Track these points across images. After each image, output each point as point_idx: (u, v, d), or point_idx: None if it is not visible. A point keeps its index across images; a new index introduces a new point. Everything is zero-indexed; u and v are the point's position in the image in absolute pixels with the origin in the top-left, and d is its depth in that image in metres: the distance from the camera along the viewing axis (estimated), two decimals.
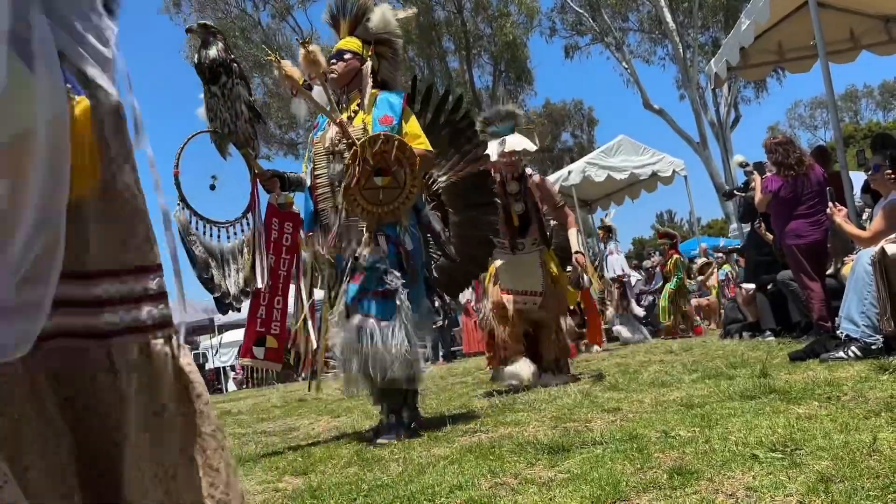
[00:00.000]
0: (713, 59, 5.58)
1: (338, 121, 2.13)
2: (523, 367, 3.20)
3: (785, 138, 3.96)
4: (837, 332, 2.92)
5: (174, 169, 2.23)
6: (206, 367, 12.46)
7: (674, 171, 7.79)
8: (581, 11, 13.37)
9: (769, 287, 4.51)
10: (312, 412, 3.86)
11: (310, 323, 2.50)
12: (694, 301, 7.28)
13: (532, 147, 3.48)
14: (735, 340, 4.96)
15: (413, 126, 2.24)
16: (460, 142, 2.70)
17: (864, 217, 4.01)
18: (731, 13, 11.53)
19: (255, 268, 2.30)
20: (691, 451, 1.45)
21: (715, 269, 7.92)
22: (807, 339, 3.62)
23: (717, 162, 11.85)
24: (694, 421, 1.81)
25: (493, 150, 3.22)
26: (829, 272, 3.82)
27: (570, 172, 7.72)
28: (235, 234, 2.37)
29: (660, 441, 1.61)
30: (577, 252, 3.53)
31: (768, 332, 4.60)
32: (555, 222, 3.75)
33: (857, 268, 2.77)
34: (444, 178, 2.68)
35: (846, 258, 3.54)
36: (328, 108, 2.20)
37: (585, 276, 3.97)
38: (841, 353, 2.71)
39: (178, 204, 2.23)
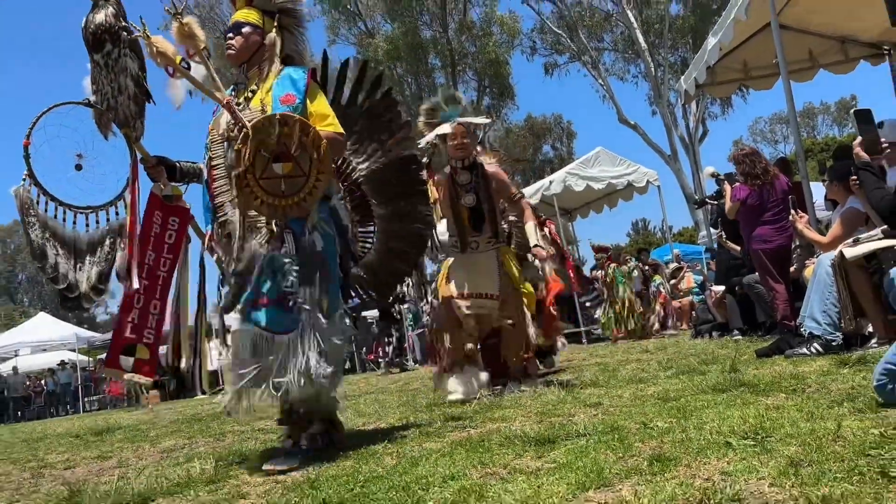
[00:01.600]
0: (682, 78, 6.01)
1: (224, 102, 1.86)
2: (464, 381, 2.96)
3: (751, 150, 4.19)
4: (800, 330, 3.12)
5: (24, 139, 1.90)
6: (210, 368, 13.17)
7: (648, 182, 8.29)
8: (559, 32, 14.96)
9: (737, 289, 4.83)
10: None
11: (197, 333, 2.22)
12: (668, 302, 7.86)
13: (484, 120, 3.29)
14: (705, 339, 5.36)
15: (320, 105, 1.97)
16: (381, 123, 2.41)
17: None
18: (698, 34, 12.66)
19: (128, 265, 1.97)
20: (669, 440, 1.53)
21: (687, 274, 8.54)
22: (771, 337, 3.86)
23: (687, 173, 13.05)
24: (670, 413, 1.92)
25: (443, 129, 2.99)
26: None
27: (551, 182, 8.18)
28: (98, 222, 2.04)
29: (639, 432, 1.70)
30: (535, 246, 3.17)
31: (736, 332, 4.94)
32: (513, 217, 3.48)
33: (819, 270, 2.96)
34: (364, 165, 2.39)
35: (808, 261, 3.72)
36: (212, 89, 1.94)
37: (547, 268, 3.72)
38: (804, 350, 2.91)
39: (24, 178, 1.91)
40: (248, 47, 1.98)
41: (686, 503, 1.06)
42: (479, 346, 3.23)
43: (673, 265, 8.84)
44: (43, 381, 14.43)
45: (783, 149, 19.78)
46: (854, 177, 2.85)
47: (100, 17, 1.88)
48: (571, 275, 5.65)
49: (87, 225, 2.03)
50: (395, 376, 8.04)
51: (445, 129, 2.96)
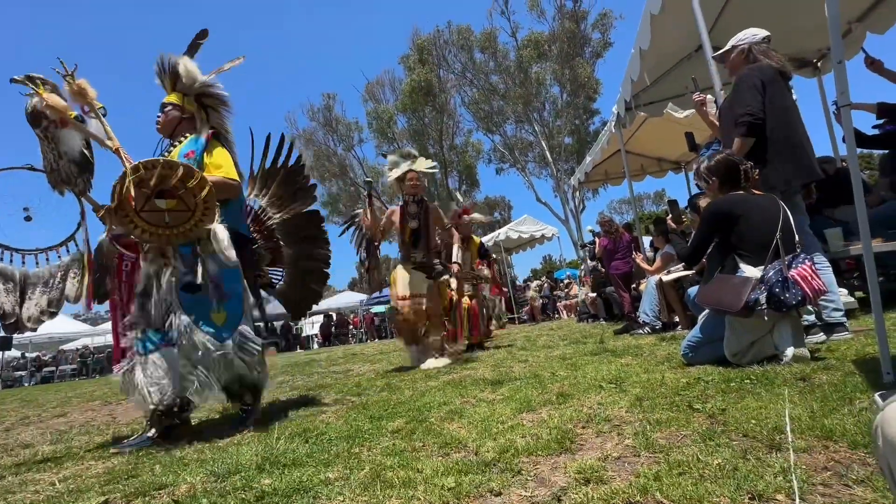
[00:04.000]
0: (571, 178, 10.01)
1: (113, 149, 2.14)
2: (412, 355, 3.99)
3: (609, 218, 6.79)
4: (638, 319, 4.64)
5: None
6: (303, 335, 19.77)
7: (552, 234, 13.75)
8: (504, 151, 25.48)
9: (602, 295, 7.17)
10: (360, 361, 5.70)
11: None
12: (565, 301, 11.87)
13: (434, 168, 4.12)
14: (585, 324, 7.68)
15: (217, 158, 2.27)
16: (293, 184, 2.94)
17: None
18: (580, 154, 21.31)
19: (86, 290, 2.38)
20: (567, 383, 2.17)
21: (574, 285, 11.77)
22: (621, 323, 5.78)
23: (574, 230, 22.27)
24: (567, 367, 2.70)
25: (401, 170, 3.94)
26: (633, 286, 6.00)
27: (499, 234, 13.16)
28: (49, 260, 2.43)
29: (550, 378, 2.40)
30: (453, 262, 4.28)
31: (602, 319, 7.36)
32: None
33: (648, 286, 4.58)
34: (278, 215, 2.92)
35: (642, 281, 5.42)
36: (103, 138, 2.18)
37: (453, 282, 4.52)
38: (640, 331, 4.40)
39: None
40: (169, 122, 2.36)
41: (580, 421, 1.58)
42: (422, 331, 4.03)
43: (566, 280, 13.94)
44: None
45: (626, 217, 31.21)
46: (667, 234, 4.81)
47: (35, 100, 2.16)
48: (496, 289, 7.95)
49: (37, 263, 2.43)
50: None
51: (399, 173, 3.96)
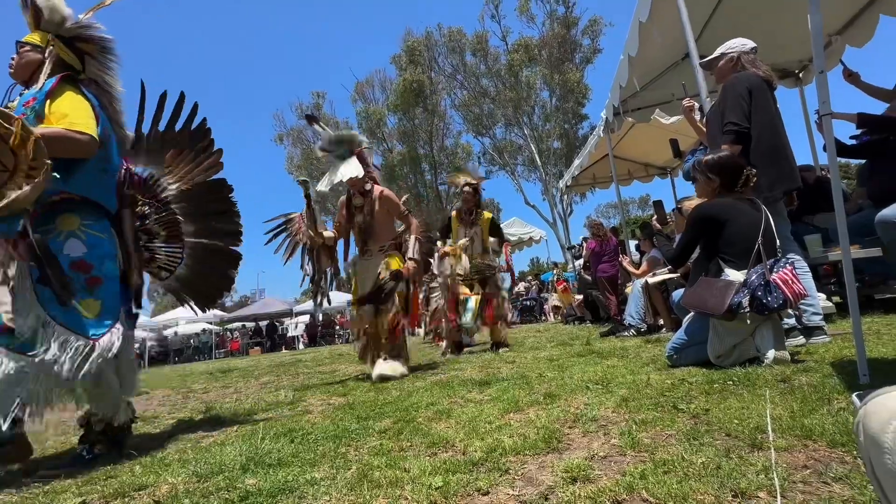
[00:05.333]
0: (560, 181, 10.18)
1: None
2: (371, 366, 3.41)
3: (598, 222, 6.92)
4: (624, 321, 4.68)
5: None
6: (288, 335, 21.05)
7: (540, 237, 14.23)
8: (493, 154, 25.41)
9: (589, 297, 7.22)
10: (346, 361, 5.67)
11: None
12: (554, 303, 11.77)
13: (359, 173, 3.38)
14: (572, 326, 7.69)
15: (62, 105, 1.79)
16: (193, 148, 2.44)
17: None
18: (569, 158, 21.62)
19: None
20: (555, 384, 2.18)
21: (570, 287, 11.44)
22: (608, 325, 5.81)
23: (561, 233, 22.39)
24: (554, 368, 2.71)
25: (326, 181, 3.35)
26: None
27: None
28: None
29: (538, 378, 2.41)
30: (409, 259, 3.54)
31: (588, 321, 7.40)
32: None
33: (634, 289, 4.64)
34: (174, 185, 2.41)
35: (628, 284, 5.61)
36: None
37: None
38: (626, 333, 4.46)
39: None
40: (24, 66, 1.92)
41: (567, 421, 1.58)
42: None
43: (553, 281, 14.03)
44: (191, 340, 21.95)
45: (613, 221, 32.11)
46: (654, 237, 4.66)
47: None
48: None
49: None
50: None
51: (324, 186, 3.32)
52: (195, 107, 2.44)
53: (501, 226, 5.20)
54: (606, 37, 24.57)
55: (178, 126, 2.41)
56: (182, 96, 2.41)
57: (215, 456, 1.61)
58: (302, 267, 3.82)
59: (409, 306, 3.64)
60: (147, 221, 2.31)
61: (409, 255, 3.57)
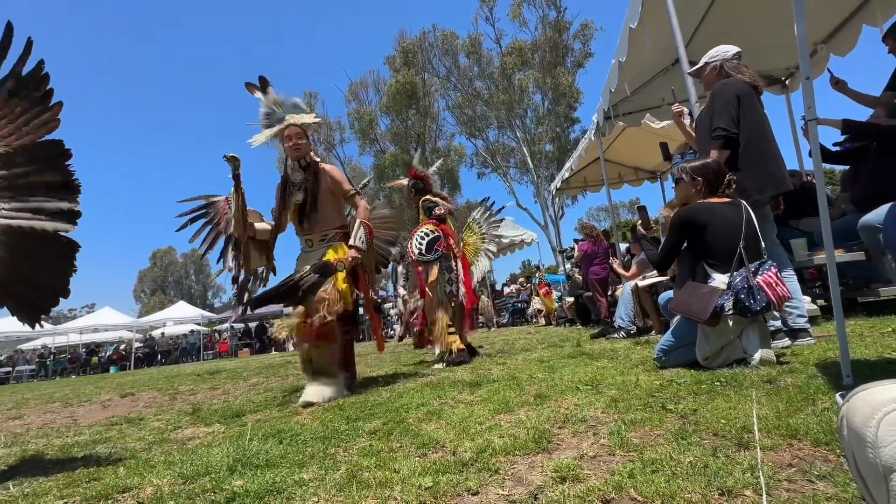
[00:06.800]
0: (552, 184, 10.22)
1: None
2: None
3: (590, 224, 6.93)
4: (614, 323, 4.73)
5: None
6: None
7: (532, 239, 13.99)
8: (486, 156, 25.56)
9: (580, 300, 7.33)
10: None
11: None
12: (536, 306, 12.20)
13: (314, 119, 2.93)
14: (562, 328, 7.88)
15: None
16: (21, 101, 1.75)
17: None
18: (560, 161, 22.07)
19: None
20: (545, 385, 2.19)
21: (551, 291, 11.83)
22: (598, 327, 5.85)
23: (552, 236, 22.76)
24: (545, 369, 2.72)
25: (271, 132, 2.83)
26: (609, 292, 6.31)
27: None
28: None
29: (528, 380, 2.42)
30: (350, 246, 2.86)
31: (578, 324, 7.51)
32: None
33: (624, 291, 4.69)
34: None
35: (618, 286, 5.71)
36: None
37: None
38: (616, 335, 4.49)
39: None
40: None
41: (556, 422, 1.58)
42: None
43: (544, 287, 14.16)
44: (179, 341, 21.88)
45: (604, 224, 32.08)
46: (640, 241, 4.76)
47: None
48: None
49: None
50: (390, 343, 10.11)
51: (268, 136, 2.78)
52: (29, 43, 1.73)
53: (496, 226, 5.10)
54: (597, 41, 24.92)
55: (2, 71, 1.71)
56: (9, 27, 1.71)
57: (202, 457, 1.59)
58: (221, 261, 3.16)
59: (350, 302, 2.80)
60: None
61: (351, 241, 2.85)
